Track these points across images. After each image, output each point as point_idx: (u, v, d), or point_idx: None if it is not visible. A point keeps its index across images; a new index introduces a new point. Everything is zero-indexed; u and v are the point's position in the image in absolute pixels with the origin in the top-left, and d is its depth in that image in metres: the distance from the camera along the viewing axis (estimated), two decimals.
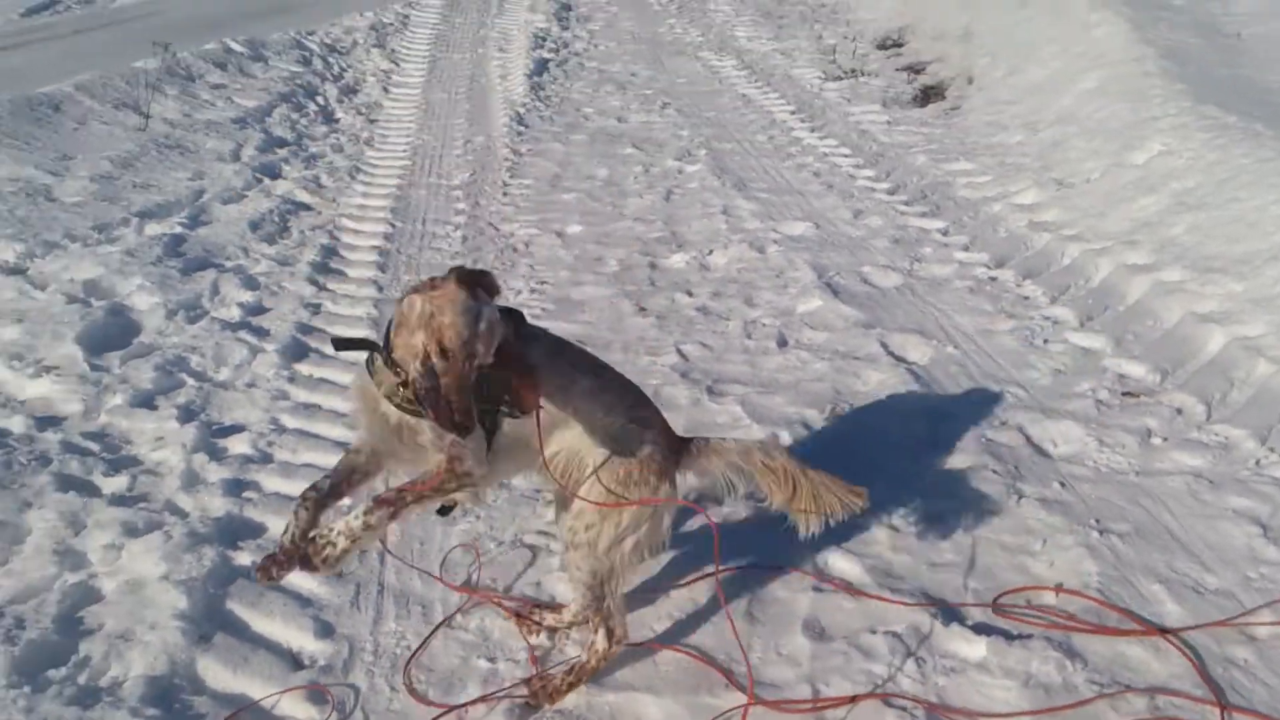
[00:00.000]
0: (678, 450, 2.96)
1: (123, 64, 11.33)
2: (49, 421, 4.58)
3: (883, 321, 5.01)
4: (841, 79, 10.01)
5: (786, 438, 4.02)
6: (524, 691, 2.94)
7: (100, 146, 8.67)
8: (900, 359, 4.67)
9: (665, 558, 3.33)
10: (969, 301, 5.26)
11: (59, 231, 6.70)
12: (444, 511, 2.96)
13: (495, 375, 2.60)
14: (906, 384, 4.42)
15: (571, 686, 2.94)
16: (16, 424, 4.53)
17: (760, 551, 3.42)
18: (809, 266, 5.63)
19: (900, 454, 3.95)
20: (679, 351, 4.83)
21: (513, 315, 2.77)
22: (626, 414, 2.90)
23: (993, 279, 5.52)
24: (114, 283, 5.96)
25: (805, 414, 4.19)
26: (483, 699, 2.94)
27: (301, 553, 2.64)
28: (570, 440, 2.88)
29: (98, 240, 6.60)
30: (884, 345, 4.76)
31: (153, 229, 6.78)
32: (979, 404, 4.29)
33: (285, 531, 2.74)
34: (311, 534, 2.67)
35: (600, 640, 2.93)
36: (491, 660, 3.10)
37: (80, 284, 5.90)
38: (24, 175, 7.83)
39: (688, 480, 3.10)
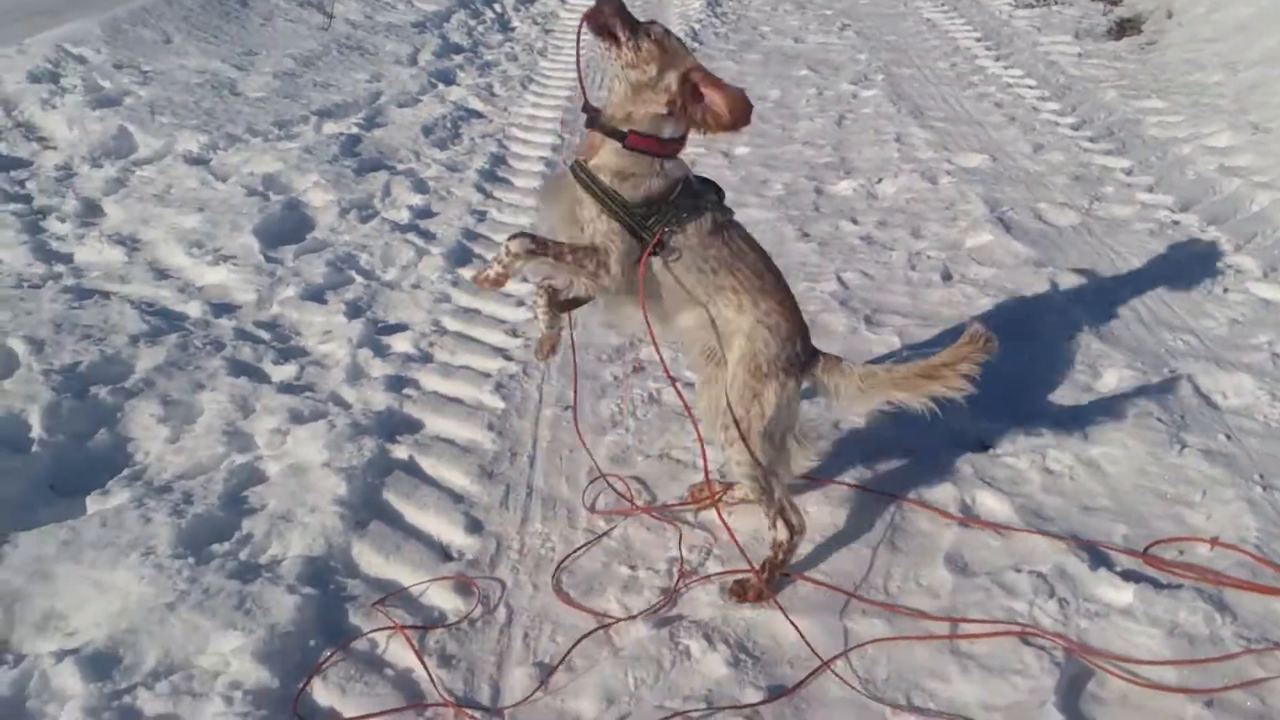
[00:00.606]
0: (810, 359, 3.04)
1: None
2: (224, 308, 4.79)
3: (1054, 260, 4.80)
4: (1033, 6, 9.55)
5: None
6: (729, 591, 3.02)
7: (284, 44, 8.92)
8: (1070, 298, 4.49)
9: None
10: (1148, 245, 5.00)
11: (241, 125, 6.96)
12: (565, 306, 3.06)
13: (669, 210, 2.83)
14: (1074, 324, 4.24)
15: (778, 567, 3.03)
16: (194, 309, 4.76)
17: (902, 483, 3.37)
18: (981, 200, 5.42)
19: (1061, 396, 3.82)
20: (839, 279, 4.74)
21: (712, 187, 3.00)
22: (775, 309, 2.96)
23: (1175, 223, 5.25)
24: (291, 178, 6.17)
25: None
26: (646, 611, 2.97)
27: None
28: (713, 315, 2.98)
29: (277, 136, 6.83)
30: (1054, 284, 4.57)
31: (330, 128, 6.97)
32: (1149, 350, 4.10)
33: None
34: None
35: (781, 533, 3.01)
36: (632, 568, 3.14)
37: (259, 177, 6.13)
38: (210, 68, 8.14)
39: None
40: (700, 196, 2.91)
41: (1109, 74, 7.61)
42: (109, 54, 8.27)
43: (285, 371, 4.25)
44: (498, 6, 10.63)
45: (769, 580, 2.99)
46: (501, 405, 3.97)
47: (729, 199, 3.04)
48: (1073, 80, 7.55)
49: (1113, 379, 3.87)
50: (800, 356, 2.98)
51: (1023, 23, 9.07)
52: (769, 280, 2.99)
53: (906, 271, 4.79)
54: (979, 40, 8.68)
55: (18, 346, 4.30)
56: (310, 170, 6.21)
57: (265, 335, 4.57)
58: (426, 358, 4.37)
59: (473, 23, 9.92)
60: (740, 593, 2.99)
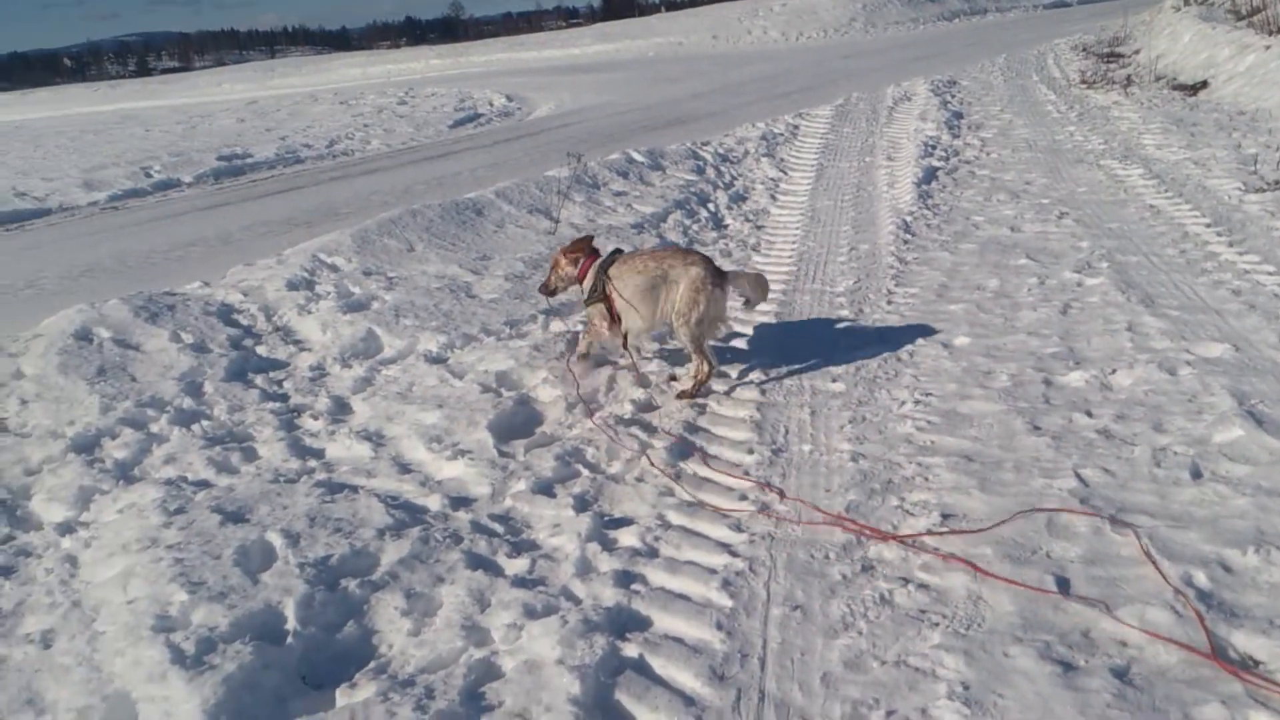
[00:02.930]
0: (721, 275, 5.94)
1: (536, 172, 12.43)
2: (461, 501, 4.99)
3: None
4: (1264, 190, 9.20)
5: (1203, 578, 3.68)
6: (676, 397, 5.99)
7: (514, 248, 9.49)
8: None
9: None
10: None
11: (476, 325, 7.37)
12: (585, 356, 6.55)
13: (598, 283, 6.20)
14: None
15: (695, 390, 6.02)
16: (434, 502, 4.98)
17: None
18: (1227, 392, 5.14)
19: None
20: (1077, 475, 4.54)
21: (617, 252, 6.36)
22: (681, 264, 5.93)
23: None
24: (522, 375, 6.45)
25: (1224, 554, 3.81)
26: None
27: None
28: (651, 306, 5.98)
29: (509, 335, 7.19)
30: None
31: (557, 326, 7.30)
32: None
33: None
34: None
35: (704, 368, 5.97)
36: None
37: (493, 375, 6.44)
38: (449, 273, 8.70)
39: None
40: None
41: None
42: (359, 262, 8.98)
43: (518, 565, 4.37)
44: (711, 205, 11.04)
45: (693, 394, 5.98)
46: (729, 603, 3.94)
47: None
48: None
49: None
50: (715, 275, 5.88)
51: (1254, 207, 8.73)
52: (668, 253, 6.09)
53: (1151, 468, 4.54)
54: (1208, 226, 8.38)
55: (275, 540, 4.59)
56: (539, 367, 6.48)
57: (499, 528, 4.73)
58: (653, 552, 4.40)
59: (688, 222, 10.32)
60: (685, 396, 5.98)
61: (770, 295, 7.76)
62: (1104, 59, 21.78)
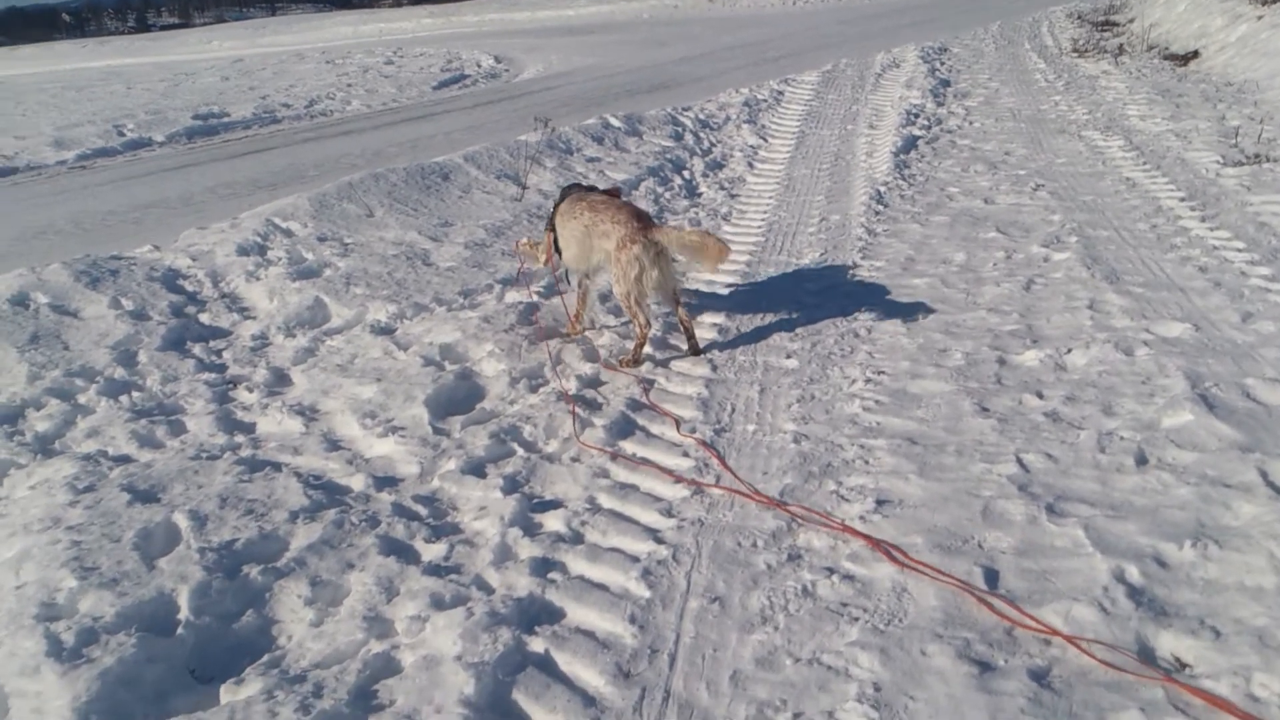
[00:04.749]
0: (644, 225, 5.78)
1: (510, 137, 12.17)
2: (386, 482, 4.81)
3: (1264, 444, 4.25)
4: (1242, 164, 8.98)
5: (1135, 573, 3.51)
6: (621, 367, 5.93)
7: (478, 214, 9.26)
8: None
9: None
10: None
11: (429, 295, 7.17)
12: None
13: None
14: None
15: (637, 353, 5.97)
16: (357, 482, 4.80)
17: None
18: (1182, 374, 4.95)
19: (1269, 608, 3.27)
20: (1019, 461, 4.36)
21: (577, 187, 6.56)
22: (608, 223, 5.86)
23: None
24: (468, 347, 6.26)
25: (1160, 547, 3.63)
26: None
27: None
28: (585, 248, 6.03)
29: (461, 305, 6.99)
30: (1262, 473, 4.02)
31: (512, 296, 7.09)
32: None
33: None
34: None
35: (637, 330, 5.91)
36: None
37: (437, 347, 6.24)
38: (407, 240, 8.49)
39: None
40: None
41: None
42: (314, 227, 8.76)
43: (435, 551, 4.19)
44: (686, 173, 10.80)
45: (635, 359, 5.94)
46: (647, 594, 3.76)
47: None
48: None
49: None
50: (640, 228, 5.75)
51: (1231, 181, 8.50)
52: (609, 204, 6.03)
53: (1095, 454, 4.35)
54: (1182, 200, 8.17)
55: (181, 522, 4.42)
56: (486, 339, 6.29)
57: (422, 510, 4.55)
58: (577, 538, 4.23)
59: (660, 189, 10.09)
60: (625, 364, 5.92)
61: (735, 267, 7.59)
62: (1098, 27, 21.46)
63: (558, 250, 6.30)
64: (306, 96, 21.18)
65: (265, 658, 3.58)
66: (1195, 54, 15.43)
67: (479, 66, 25.67)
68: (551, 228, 6.33)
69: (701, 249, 5.64)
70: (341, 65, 29.26)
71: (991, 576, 3.60)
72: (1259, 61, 13.12)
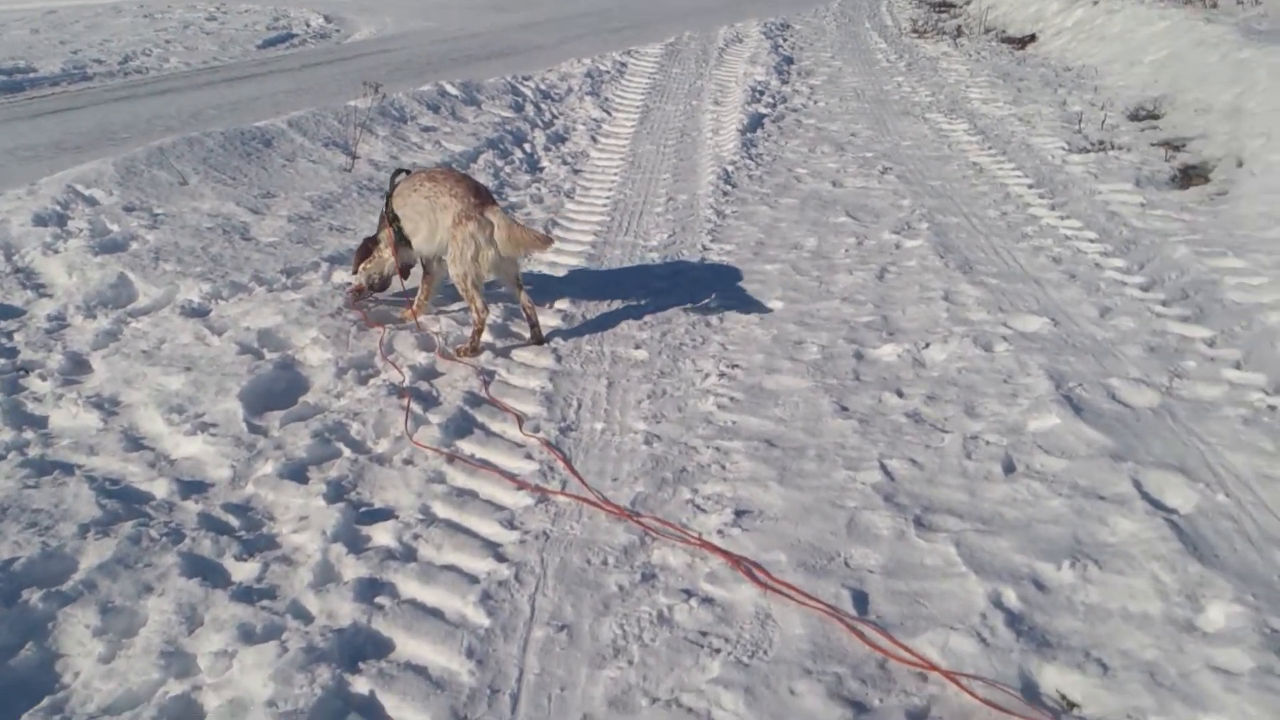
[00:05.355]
0: (482, 201, 5.43)
1: (340, 102, 11.46)
2: (194, 487, 4.29)
3: (1135, 452, 4.11)
4: (1088, 151, 9.05)
5: (1013, 598, 3.28)
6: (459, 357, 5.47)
7: (304, 185, 8.62)
8: (1157, 504, 3.77)
9: None
10: (1243, 435, 4.26)
11: (248, 273, 6.56)
12: (375, 288, 6.17)
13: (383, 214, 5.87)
14: (1165, 538, 3.52)
15: (475, 341, 5.52)
16: (160, 488, 4.27)
17: None
18: (1044, 373, 4.81)
19: (1156, 639, 3.09)
20: (883, 467, 4.12)
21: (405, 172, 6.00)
22: (447, 195, 5.47)
23: (1272, 408, 4.48)
24: (289, 333, 5.72)
25: (1037, 568, 3.42)
26: None
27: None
28: (431, 223, 5.56)
29: (283, 285, 6.41)
30: (1137, 484, 3.88)
31: (340, 276, 6.55)
32: (1260, 577, 3.36)
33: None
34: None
35: (477, 316, 5.47)
36: None
37: (255, 332, 5.68)
38: (224, 211, 7.82)
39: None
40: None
41: (1177, 226, 6.99)
42: (120, 195, 7.98)
43: (246, 570, 3.72)
44: (527, 146, 10.33)
45: (472, 347, 5.49)
46: (486, 623, 3.37)
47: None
48: (1137, 233, 6.94)
49: (1219, 615, 3.15)
50: (475, 204, 5.39)
51: (1078, 169, 8.55)
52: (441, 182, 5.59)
53: (962, 460, 4.14)
54: (1030, 187, 8.15)
55: None
56: (310, 324, 5.76)
57: (233, 521, 4.05)
58: (409, 554, 3.80)
59: (500, 163, 9.60)
60: (463, 353, 5.46)
61: (579, 248, 7.22)
62: (936, 8, 21.73)
63: (405, 241, 5.80)
64: (121, 52, 19.72)
65: (46, 701, 3.06)
66: (1032, 38, 15.70)
67: (308, 26, 24.42)
68: (391, 218, 5.82)
69: (512, 239, 5.37)
70: (160, 20, 27.46)
71: (860, 599, 3.34)
72: (1095, 47, 13.38)
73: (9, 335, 5.88)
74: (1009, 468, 4.07)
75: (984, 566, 3.43)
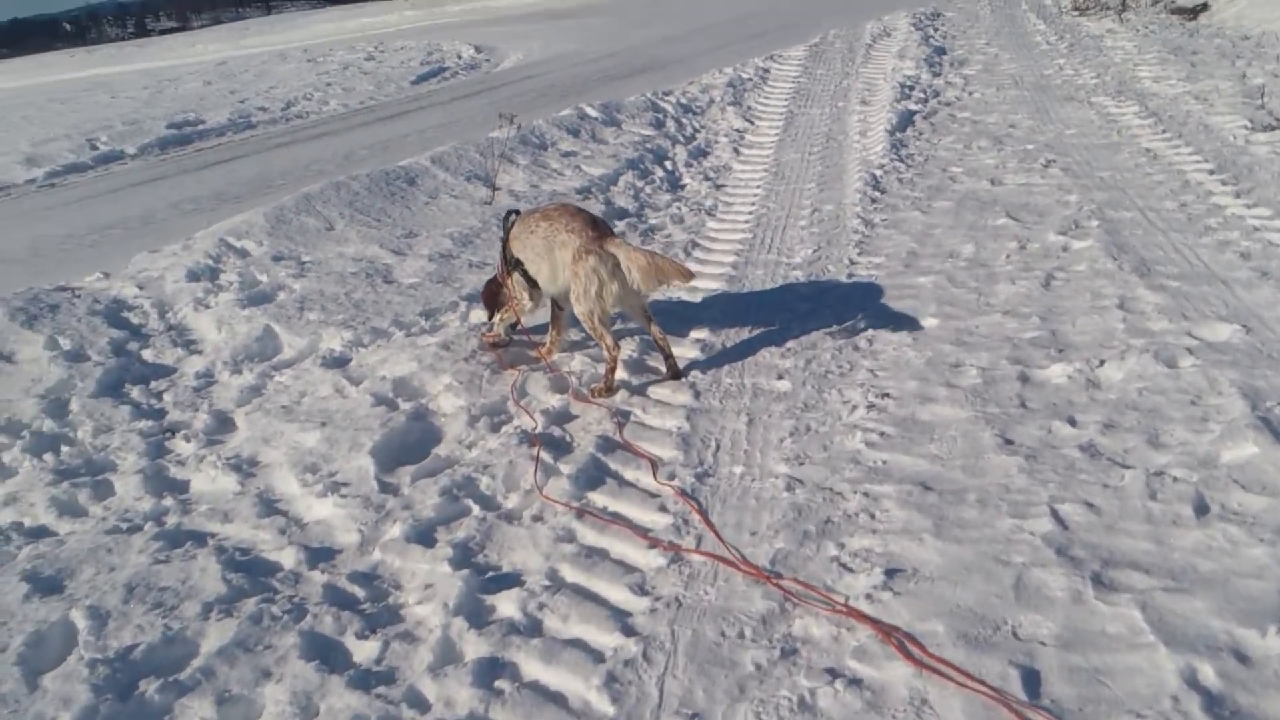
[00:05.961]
0: (600, 234, 5.20)
1: (484, 133, 11.46)
2: (321, 555, 4.18)
3: None
4: (1273, 129, 8.24)
5: (1211, 674, 2.82)
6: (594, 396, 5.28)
7: (445, 222, 8.60)
8: None
9: None
10: None
11: (388, 318, 6.53)
12: (513, 328, 5.88)
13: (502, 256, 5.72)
14: None
15: (609, 380, 5.29)
16: (288, 558, 4.18)
17: None
18: (1237, 391, 4.24)
19: None
20: (1054, 513, 3.66)
21: (515, 212, 5.79)
22: (564, 232, 5.25)
23: None
24: (424, 381, 5.61)
25: (1238, 634, 2.94)
26: None
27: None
28: (552, 263, 5.35)
29: (421, 329, 6.34)
30: None
31: (476, 315, 6.43)
32: None
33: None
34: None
35: (609, 355, 5.26)
36: None
37: (390, 382, 5.59)
38: (368, 254, 7.84)
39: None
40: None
41: None
42: (270, 245, 8.11)
43: (366, 651, 3.56)
44: (668, 164, 10.09)
45: (606, 389, 5.25)
46: (610, 711, 3.10)
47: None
48: None
49: None
50: (593, 240, 5.17)
51: (1263, 149, 7.77)
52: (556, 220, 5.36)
53: (1146, 501, 3.64)
54: (1212, 173, 7.43)
55: (79, 621, 3.82)
56: (444, 370, 5.63)
57: (359, 593, 3.91)
58: (534, 628, 3.56)
59: (640, 184, 9.38)
60: (597, 393, 5.25)
61: (720, 270, 6.93)
62: None
63: (532, 283, 5.56)
64: (284, 98, 20.44)
65: None
66: (1204, 6, 14.67)
67: (459, 58, 24.89)
68: (513, 264, 5.58)
69: (652, 271, 5.06)
70: (323, 63, 28.48)
71: (1031, 678, 2.92)
72: (1276, 10, 12.34)
73: (159, 396, 5.96)
74: (1201, 509, 3.55)
75: (1175, 635, 2.97)
